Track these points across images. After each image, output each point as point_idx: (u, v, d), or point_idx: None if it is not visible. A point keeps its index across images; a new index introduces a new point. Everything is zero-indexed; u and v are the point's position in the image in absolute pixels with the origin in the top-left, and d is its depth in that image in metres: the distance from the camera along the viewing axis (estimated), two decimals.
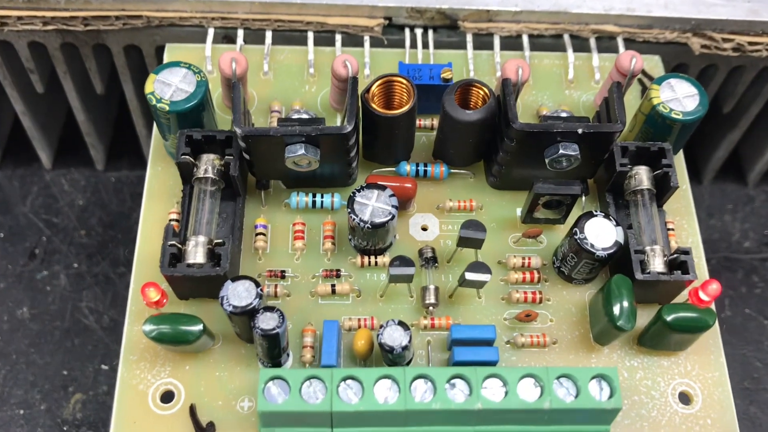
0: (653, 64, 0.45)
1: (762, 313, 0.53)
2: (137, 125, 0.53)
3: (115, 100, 0.56)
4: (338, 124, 0.42)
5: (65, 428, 0.46)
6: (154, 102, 0.36)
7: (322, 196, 0.39)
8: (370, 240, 0.37)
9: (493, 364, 0.34)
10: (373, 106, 0.37)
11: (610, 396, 0.32)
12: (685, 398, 0.37)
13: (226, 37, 0.45)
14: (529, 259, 0.38)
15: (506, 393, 0.32)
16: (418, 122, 0.41)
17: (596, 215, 0.36)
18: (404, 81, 0.37)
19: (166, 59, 0.43)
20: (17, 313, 0.50)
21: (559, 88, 0.44)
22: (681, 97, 0.38)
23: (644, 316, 0.37)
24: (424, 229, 0.40)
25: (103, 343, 0.49)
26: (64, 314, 0.50)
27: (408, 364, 0.35)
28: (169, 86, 0.36)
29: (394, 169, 0.40)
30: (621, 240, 0.35)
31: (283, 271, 0.38)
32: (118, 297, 0.50)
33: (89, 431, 0.46)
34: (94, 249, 0.52)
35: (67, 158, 0.56)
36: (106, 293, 0.51)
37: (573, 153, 0.36)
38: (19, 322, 0.49)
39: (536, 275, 0.38)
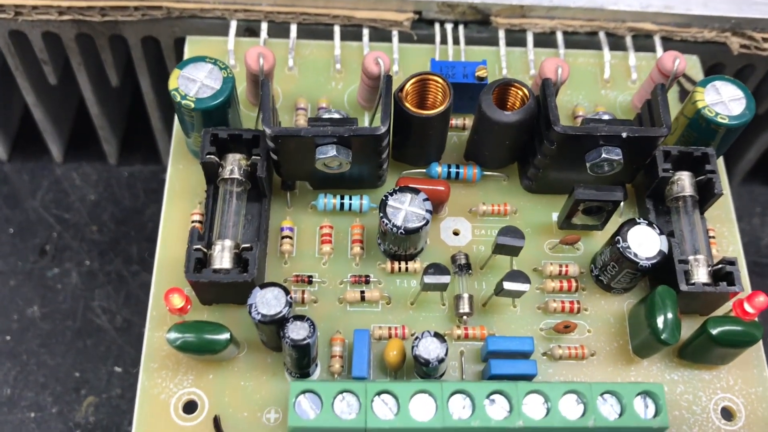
0: (691, 64, 0.44)
1: None
2: (152, 119, 0.51)
3: (129, 93, 0.55)
4: (366, 122, 0.40)
5: None
6: (178, 99, 0.34)
7: (350, 198, 0.37)
8: (401, 245, 0.36)
9: (531, 377, 0.33)
10: (407, 105, 0.35)
11: (656, 414, 0.31)
12: (727, 414, 0.35)
13: (249, 29, 0.43)
14: (567, 266, 0.37)
15: (548, 410, 0.31)
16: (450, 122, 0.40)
17: (639, 223, 0.34)
18: (440, 80, 0.35)
19: (187, 52, 0.42)
20: (27, 312, 0.48)
21: (594, 88, 0.42)
22: (727, 101, 0.37)
23: (685, 328, 0.35)
24: (456, 233, 0.38)
25: (117, 344, 0.47)
26: (76, 313, 0.48)
27: (441, 376, 0.33)
28: (194, 82, 0.35)
29: (424, 170, 0.39)
30: (665, 249, 0.34)
31: (310, 277, 0.36)
32: (132, 296, 0.49)
33: None
34: (106, 246, 0.51)
35: (79, 152, 0.54)
36: (119, 292, 0.49)
37: (616, 158, 0.35)
38: (29, 321, 0.48)
39: (574, 284, 0.37)
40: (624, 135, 0.34)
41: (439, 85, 0.36)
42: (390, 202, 0.34)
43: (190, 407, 0.34)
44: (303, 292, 0.36)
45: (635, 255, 0.34)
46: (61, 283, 0.49)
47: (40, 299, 0.48)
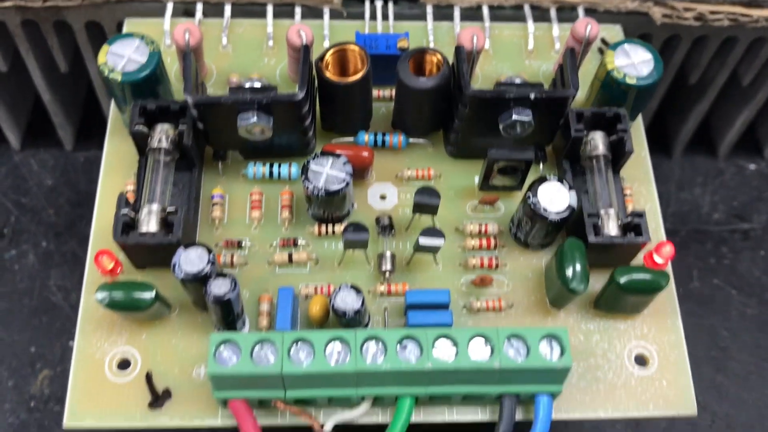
0: (614, 34, 0.45)
1: (730, 284, 0.53)
2: (103, 104, 0.53)
3: (83, 81, 0.56)
4: None
5: (32, 404, 0.46)
6: (106, 73, 0.36)
7: (279, 167, 0.39)
8: (326, 208, 0.37)
9: (447, 326, 0.34)
10: (327, 74, 0.37)
11: (561, 355, 0.32)
12: (641, 360, 0.37)
13: (186, 11, 0.44)
14: (486, 225, 0.38)
15: (457, 353, 0.32)
16: (376, 93, 0.41)
17: (549, 179, 0.36)
18: (357, 48, 0.37)
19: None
20: None
21: (519, 59, 0.44)
22: (636, 63, 0.38)
23: (601, 281, 0.37)
24: (383, 198, 0.40)
25: (71, 320, 0.49)
26: (33, 292, 0.50)
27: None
28: (121, 57, 0.36)
29: (352, 138, 0.40)
30: (574, 204, 0.35)
31: (240, 241, 0.38)
32: None
33: (57, 406, 0.46)
34: (62, 228, 0.52)
35: (36, 139, 0.56)
36: (74, 271, 0.51)
37: (526, 119, 0.36)
38: None
39: (493, 241, 0.38)
40: (532, 96, 0.36)
41: (357, 53, 0.37)
42: (312, 166, 0.36)
43: (123, 365, 0.35)
44: (233, 255, 0.37)
45: (545, 210, 0.35)
46: (19, 264, 0.51)
47: None
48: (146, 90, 0.37)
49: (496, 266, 0.38)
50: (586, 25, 0.39)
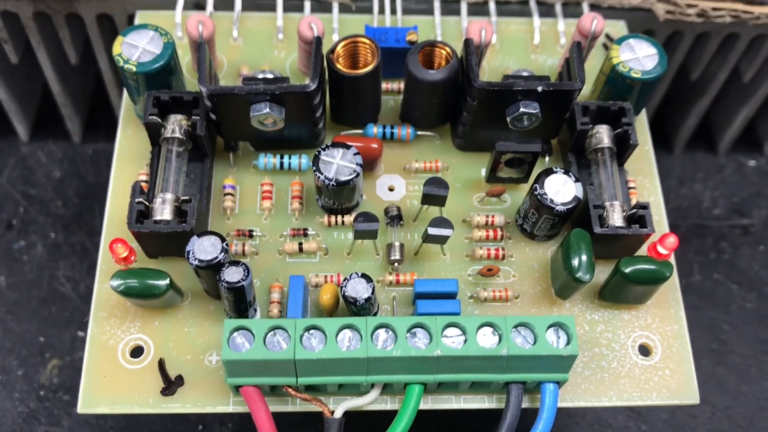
0: (618, 29, 0.46)
1: (730, 278, 0.54)
2: (112, 96, 0.53)
3: (92, 72, 0.57)
4: None
5: (42, 393, 0.47)
6: (121, 63, 0.36)
7: (289, 158, 0.40)
8: (336, 199, 0.38)
9: (455, 315, 0.35)
10: (338, 66, 0.37)
11: (567, 343, 0.33)
12: (644, 350, 0.37)
13: (197, 4, 0.45)
14: (493, 217, 0.39)
15: (465, 341, 0.33)
16: (385, 86, 0.42)
17: (556, 171, 0.37)
18: (368, 41, 0.38)
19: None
20: None
21: (525, 53, 0.45)
22: (641, 57, 0.39)
23: (605, 271, 0.38)
24: (391, 189, 0.40)
25: (80, 310, 0.49)
26: (41, 283, 0.50)
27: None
28: (136, 48, 0.37)
29: (361, 131, 0.41)
30: (580, 195, 0.36)
31: (251, 231, 0.38)
32: (95, 266, 0.50)
33: (66, 395, 0.47)
34: (70, 219, 0.53)
35: (45, 130, 0.56)
36: (82, 262, 0.51)
37: (533, 111, 0.37)
38: None
39: (499, 233, 0.39)
40: (539, 89, 0.37)
41: (368, 46, 0.38)
42: (323, 156, 0.36)
43: (136, 352, 0.36)
44: (244, 245, 0.38)
45: (551, 201, 0.36)
46: (27, 255, 0.51)
47: (6, 270, 0.50)
48: (160, 81, 0.37)
49: (503, 257, 0.38)
50: (592, 20, 0.40)
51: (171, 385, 0.35)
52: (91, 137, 0.56)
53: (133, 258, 0.35)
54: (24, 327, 0.49)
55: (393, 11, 0.45)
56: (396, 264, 0.38)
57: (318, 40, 0.37)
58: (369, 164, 0.40)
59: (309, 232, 0.38)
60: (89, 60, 0.52)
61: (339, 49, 0.38)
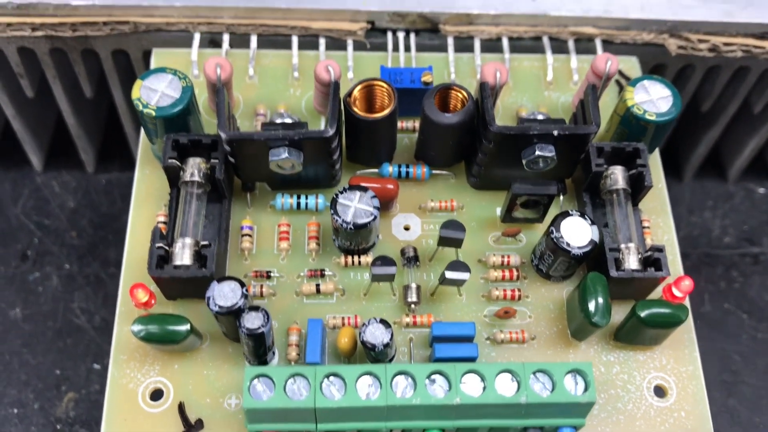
0: (630, 65, 0.46)
1: (740, 308, 0.54)
2: (126, 128, 0.54)
3: (105, 104, 0.57)
4: (322, 126, 0.43)
5: (58, 426, 0.47)
6: (140, 108, 0.37)
7: (306, 198, 0.40)
8: (353, 240, 0.38)
9: (472, 360, 0.35)
10: (355, 109, 0.38)
11: (585, 390, 0.33)
12: (660, 391, 0.38)
13: (213, 41, 0.45)
14: (509, 257, 0.39)
15: (484, 388, 0.33)
16: (400, 124, 0.42)
17: (572, 214, 0.37)
18: (385, 85, 0.38)
19: (153, 64, 0.44)
20: (10, 314, 0.50)
21: (538, 90, 0.45)
22: (655, 99, 0.39)
23: (621, 312, 0.38)
24: (407, 229, 0.41)
25: (95, 342, 0.50)
26: (57, 314, 0.51)
27: (391, 360, 0.36)
28: (155, 92, 0.37)
29: (377, 170, 0.41)
30: (596, 238, 0.36)
31: (268, 272, 0.39)
32: (109, 297, 0.51)
33: (82, 429, 0.47)
34: (85, 250, 0.53)
35: (58, 161, 0.57)
36: (97, 293, 0.51)
37: (549, 154, 0.37)
38: (11, 323, 0.50)
39: (515, 273, 0.39)
40: (555, 133, 0.37)
41: (385, 89, 0.38)
42: (340, 199, 0.37)
43: (156, 395, 0.36)
44: (262, 286, 0.38)
45: (568, 244, 0.36)
46: (42, 286, 0.51)
47: (22, 302, 0.51)
48: (179, 124, 0.37)
49: (519, 298, 0.39)
50: (606, 61, 0.40)
51: (191, 429, 0.35)
52: (104, 167, 0.57)
53: (153, 302, 0.35)
54: (39, 359, 0.49)
55: (407, 48, 0.45)
56: (413, 305, 0.38)
57: (336, 85, 0.37)
58: (385, 204, 0.40)
59: (326, 273, 0.39)
60: (104, 92, 0.52)
61: (356, 92, 0.38)
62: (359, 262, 0.39)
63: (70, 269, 0.52)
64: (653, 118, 0.39)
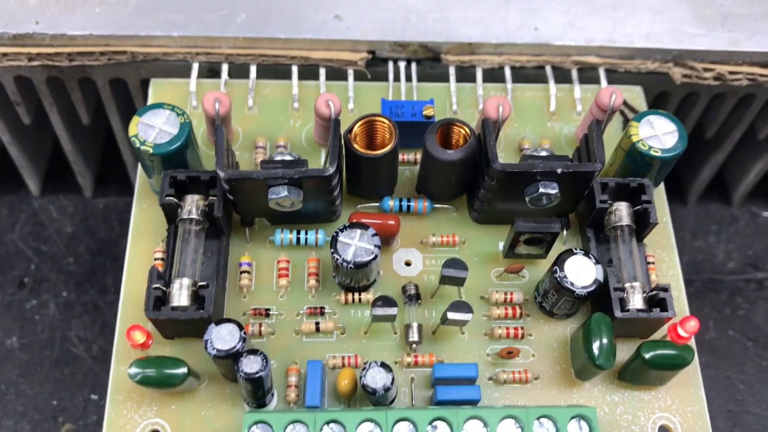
0: (635, 95, 0.46)
1: (745, 335, 0.54)
2: (124, 153, 0.53)
3: (102, 129, 0.57)
4: (322, 159, 0.42)
5: None
6: (138, 145, 0.36)
7: (306, 233, 0.39)
8: (353, 278, 0.37)
9: (475, 402, 0.35)
10: (356, 146, 0.37)
11: None
12: None
13: (211, 70, 0.45)
14: (512, 294, 0.39)
15: None
16: (401, 157, 0.42)
17: (576, 253, 0.36)
18: (386, 121, 0.37)
19: (150, 95, 0.44)
20: (6, 343, 0.50)
21: (541, 121, 0.44)
22: (660, 135, 0.39)
23: (625, 351, 0.38)
24: (408, 264, 0.40)
25: (93, 372, 0.49)
26: (54, 343, 0.50)
27: (392, 403, 0.35)
28: (152, 128, 0.37)
29: (377, 204, 0.41)
30: (600, 278, 0.36)
31: (267, 310, 0.38)
32: (107, 325, 0.51)
33: None
34: (82, 277, 0.52)
35: (56, 185, 0.56)
36: (95, 322, 0.51)
37: (553, 192, 0.37)
38: (8, 352, 0.49)
39: (518, 310, 0.38)
40: (559, 171, 0.36)
41: (386, 125, 0.38)
42: (341, 238, 0.36)
43: None
44: (260, 324, 0.38)
45: (572, 284, 0.36)
46: (39, 314, 0.51)
47: (19, 330, 0.50)
48: (176, 160, 0.37)
49: (522, 336, 0.38)
50: (610, 95, 0.39)
51: None
52: (102, 191, 0.56)
53: (150, 342, 0.35)
54: (36, 390, 0.48)
55: (408, 78, 0.45)
56: (414, 345, 0.37)
57: (336, 122, 0.37)
58: (386, 240, 0.39)
59: (326, 311, 0.38)
60: (101, 117, 0.52)
61: (356, 128, 0.37)
62: (360, 299, 0.38)
63: (67, 297, 0.52)
64: (659, 154, 0.38)
